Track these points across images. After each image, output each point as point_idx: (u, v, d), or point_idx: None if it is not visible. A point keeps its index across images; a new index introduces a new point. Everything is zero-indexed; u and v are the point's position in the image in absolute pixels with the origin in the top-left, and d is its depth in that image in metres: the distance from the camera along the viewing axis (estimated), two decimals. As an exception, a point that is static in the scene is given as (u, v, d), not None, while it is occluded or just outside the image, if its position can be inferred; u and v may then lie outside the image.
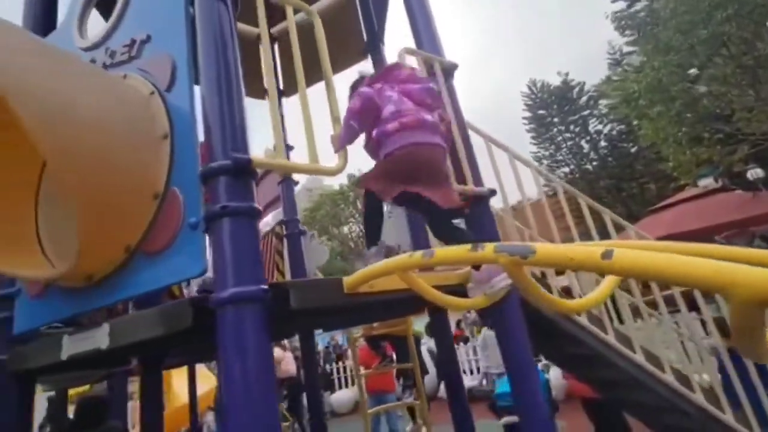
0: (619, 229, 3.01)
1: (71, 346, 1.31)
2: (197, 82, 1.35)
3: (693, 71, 12.16)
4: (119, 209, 1.24)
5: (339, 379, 9.96)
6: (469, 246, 0.94)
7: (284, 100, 3.77)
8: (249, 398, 0.98)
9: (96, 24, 1.84)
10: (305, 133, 1.36)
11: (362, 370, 4.76)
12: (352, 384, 10.01)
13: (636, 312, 2.88)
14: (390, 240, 2.25)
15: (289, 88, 3.78)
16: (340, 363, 10.07)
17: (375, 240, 1.74)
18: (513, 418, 3.48)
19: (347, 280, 1.16)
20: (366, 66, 3.48)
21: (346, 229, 28.67)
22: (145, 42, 1.53)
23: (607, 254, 0.70)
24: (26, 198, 1.49)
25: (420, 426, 5.47)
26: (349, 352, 9.53)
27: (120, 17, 1.65)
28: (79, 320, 1.59)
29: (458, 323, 11.09)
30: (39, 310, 1.48)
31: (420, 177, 1.58)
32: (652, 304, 2.80)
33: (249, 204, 1.13)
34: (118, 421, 3.71)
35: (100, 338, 1.24)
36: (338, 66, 3.16)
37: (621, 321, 2.86)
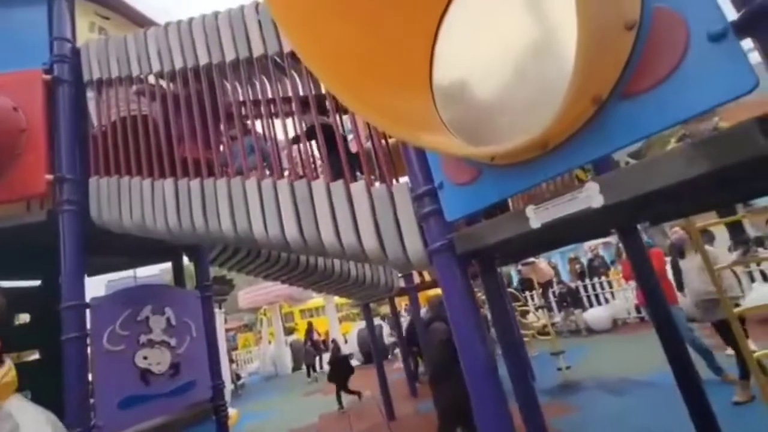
0: None
1: (539, 216, 1.31)
2: None
3: None
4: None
5: (590, 296, 9.40)
6: None
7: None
8: None
9: None
10: None
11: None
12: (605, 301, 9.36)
13: None
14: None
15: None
16: (595, 278, 9.41)
17: None
18: None
19: None
20: None
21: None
22: None
23: None
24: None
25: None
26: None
27: None
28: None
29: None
30: (471, 196, 1.56)
31: None
32: None
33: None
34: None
35: (587, 199, 1.17)
36: None
37: None
